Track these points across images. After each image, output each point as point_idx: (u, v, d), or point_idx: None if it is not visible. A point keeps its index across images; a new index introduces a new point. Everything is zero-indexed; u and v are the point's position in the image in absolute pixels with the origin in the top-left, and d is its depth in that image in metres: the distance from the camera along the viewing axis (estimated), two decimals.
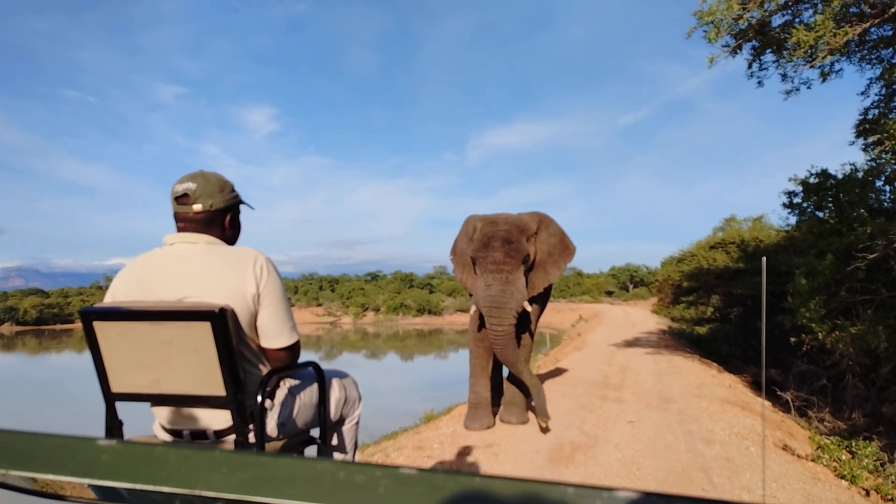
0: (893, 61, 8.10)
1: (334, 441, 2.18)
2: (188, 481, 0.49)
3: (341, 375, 2.22)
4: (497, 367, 6.32)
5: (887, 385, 8.34)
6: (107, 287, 1.87)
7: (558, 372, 10.30)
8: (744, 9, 7.88)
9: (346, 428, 2.22)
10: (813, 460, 5.49)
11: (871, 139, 7.88)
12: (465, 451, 5.22)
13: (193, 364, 1.63)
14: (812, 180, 8.82)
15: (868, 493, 4.83)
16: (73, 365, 26.71)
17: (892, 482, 5.19)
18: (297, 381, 1.97)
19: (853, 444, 6.06)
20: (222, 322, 1.59)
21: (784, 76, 8.73)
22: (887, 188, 8.48)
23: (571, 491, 0.43)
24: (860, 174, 8.24)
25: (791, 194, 9.27)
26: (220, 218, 1.88)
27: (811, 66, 7.82)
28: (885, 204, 8.53)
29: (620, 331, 21.31)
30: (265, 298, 1.77)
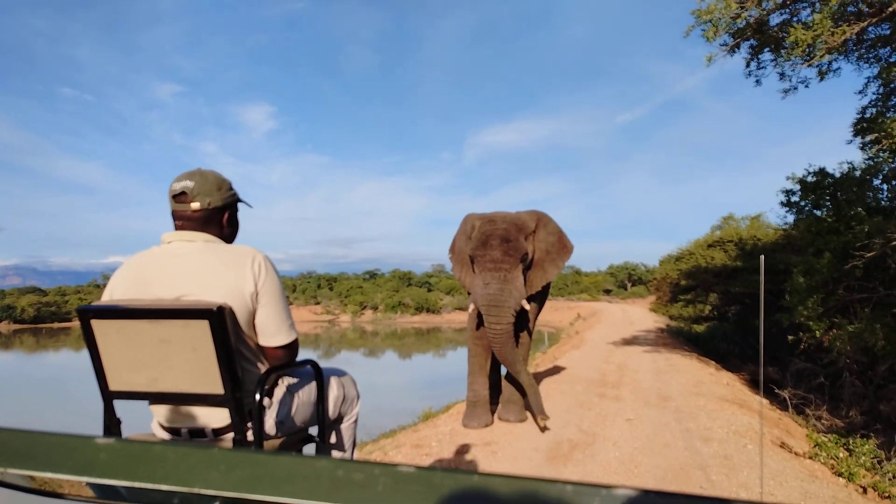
0: (891, 60, 8.11)
1: (333, 439, 2.18)
2: (186, 479, 0.49)
3: (340, 374, 2.22)
4: (495, 365, 6.33)
5: (884, 383, 8.36)
6: (104, 285, 1.87)
7: (557, 370, 10.31)
8: (742, 7, 7.88)
9: (345, 426, 2.22)
10: (810, 458, 5.51)
11: (868, 138, 7.89)
12: (463, 450, 5.22)
13: (192, 362, 1.63)
14: (810, 179, 8.84)
15: (865, 491, 4.85)
16: (70, 363, 26.69)
17: (889, 479, 5.20)
18: (295, 380, 1.97)
19: (850, 441, 6.08)
20: (220, 320, 1.59)
21: (782, 75, 8.74)
22: (885, 187, 8.50)
23: (570, 489, 0.43)
24: (858, 173, 8.25)
25: (789, 193, 9.28)
26: (218, 216, 1.87)
27: (809, 65, 7.83)
28: (883, 202, 8.54)
29: (618, 329, 21.34)
30: (263, 297, 1.77)
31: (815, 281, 8.05)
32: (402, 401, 11.30)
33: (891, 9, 6.97)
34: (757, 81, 9.10)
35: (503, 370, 6.36)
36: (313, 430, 2.08)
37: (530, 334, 6.23)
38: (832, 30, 7.11)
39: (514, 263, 5.46)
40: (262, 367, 1.82)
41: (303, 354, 1.95)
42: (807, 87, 8.79)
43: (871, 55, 8.48)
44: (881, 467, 5.58)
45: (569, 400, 7.41)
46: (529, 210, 6.12)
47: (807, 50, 7.37)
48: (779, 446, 5.72)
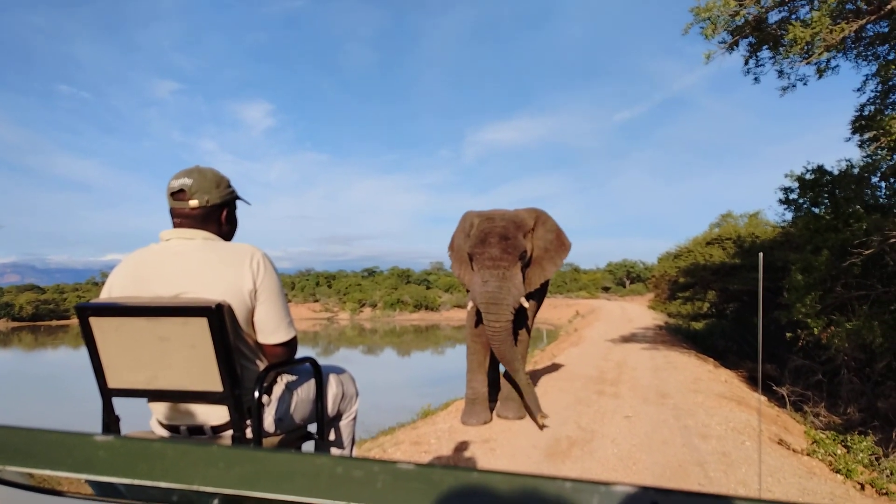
0: (889, 58, 8.11)
1: (332, 436, 2.18)
2: (185, 476, 0.49)
3: (338, 371, 2.22)
4: (494, 362, 6.33)
5: (882, 380, 8.38)
6: (103, 283, 1.86)
7: (555, 367, 10.32)
8: (740, 5, 7.88)
9: (344, 423, 2.23)
10: (808, 455, 5.52)
11: (867, 135, 7.90)
12: (462, 447, 5.23)
13: (190, 360, 1.63)
14: (808, 176, 8.85)
15: (863, 487, 4.86)
16: (69, 361, 26.68)
17: (887, 476, 5.21)
18: (294, 377, 1.97)
19: (848, 438, 6.09)
20: (219, 318, 1.59)
21: (780, 73, 8.74)
22: (883, 184, 8.51)
23: (569, 485, 0.43)
24: (856, 170, 8.26)
25: (787, 190, 9.29)
26: (216, 214, 1.87)
27: (807, 63, 7.83)
28: (881, 200, 8.56)
29: (617, 326, 21.35)
30: (262, 294, 1.77)
31: (814, 278, 8.06)
32: (400, 398, 11.31)
33: (889, 6, 6.97)
34: (755, 79, 9.10)
35: (502, 368, 6.36)
36: (312, 428, 2.08)
37: (529, 332, 6.23)
38: (831, 27, 7.11)
39: (512, 261, 5.46)
40: (261, 365, 1.82)
41: (301, 352, 1.95)
42: (805, 84, 8.80)
43: (869, 53, 8.49)
44: (879, 464, 5.59)
45: (567, 397, 7.42)
46: (528, 208, 6.12)
47: (805, 47, 7.37)
48: (777, 443, 5.73)
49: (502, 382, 6.30)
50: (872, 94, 8.45)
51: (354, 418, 2.28)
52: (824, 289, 8.10)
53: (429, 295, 55.41)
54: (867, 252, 7.35)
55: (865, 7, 7.33)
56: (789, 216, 10.05)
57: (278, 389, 1.89)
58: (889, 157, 7.70)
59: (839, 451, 5.58)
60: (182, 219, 1.83)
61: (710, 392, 7.90)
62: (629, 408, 6.78)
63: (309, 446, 2.08)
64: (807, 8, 7.90)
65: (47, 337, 41.07)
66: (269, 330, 1.81)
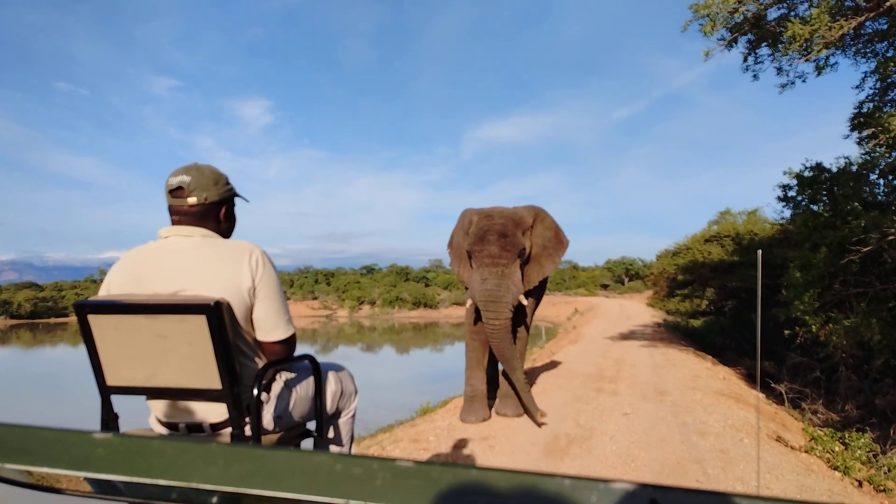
0: (888, 55, 8.11)
1: (330, 434, 2.18)
2: (184, 474, 0.49)
3: (337, 368, 2.22)
4: (493, 360, 6.34)
5: (880, 377, 8.39)
6: (101, 280, 1.86)
7: (554, 365, 10.33)
8: (739, 2, 7.88)
9: (343, 421, 2.23)
10: (806, 452, 5.53)
11: (865, 133, 7.90)
12: (461, 444, 5.23)
13: (189, 357, 1.63)
14: (807, 174, 8.85)
15: (861, 484, 4.87)
16: (67, 358, 26.66)
17: (885, 473, 5.23)
18: (293, 375, 1.97)
19: (846, 435, 6.10)
20: (218, 315, 1.59)
21: (779, 70, 8.75)
22: (881, 181, 8.52)
23: (568, 483, 0.43)
24: (854, 168, 8.27)
25: (786, 187, 9.30)
26: (214, 211, 1.87)
27: (806, 60, 7.84)
28: (879, 197, 8.56)
29: (616, 324, 21.37)
30: (261, 292, 1.77)
31: (812, 275, 8.07)
32: (399, 396, 11.32)
33: (888, 3, 6.97)
34: (754, 76, 9.11)
35: (501, 365, 6.37)
36: (311, 425, 2.09)
37: (528, 329, 6.23)
38: (829, 24, 7.12)
39: (511, 259, 5.46)
40: (260, 362, 1.82)
41: (300, 349, 1.95)
42: (804, 81, 8.80)
43: (868, 50, 8.49)
44: (877, 461, 5.60)
45: (566, 394, 7.42)
46: (527, 205, 6.11)
47: (804, 45, 7.37)
48: (775, 440, 5.74)
49: (501, 380, 6.30)
50: (871, 92, 8.46)
51: (353, 416, 2.28)
52: (822, 286, 8.11)
53: (427, 292, 55.42)
54: (865, 249, 7.36)
55: (864, 4, 7.33)
56: (788, 213, 10.07)
57: (277, 387, 1.89)
58: (887, 155, 7.70)
59: (837, 448, 5.59)
60: (180, 216, 1.83)
61: (708, 389, 7.91)
62: (628, 405, 6.79)
63: (308, 444, 2.08)
64: (805, 5, 7.90)
65: (46, 334, 41.04)
66: (268, 327, 1.81)
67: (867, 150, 7.98)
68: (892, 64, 7.55)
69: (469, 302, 5.84)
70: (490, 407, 6.22)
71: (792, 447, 5.59)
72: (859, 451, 5.65)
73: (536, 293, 6.28)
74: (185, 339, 1.61)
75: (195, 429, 1.76)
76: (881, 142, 7.33)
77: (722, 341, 15.48)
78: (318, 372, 1.98)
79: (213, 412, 1.74)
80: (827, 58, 8.14)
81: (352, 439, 2.30)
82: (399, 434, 5.99)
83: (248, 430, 1.71)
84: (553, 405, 6.62)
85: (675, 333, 18.50)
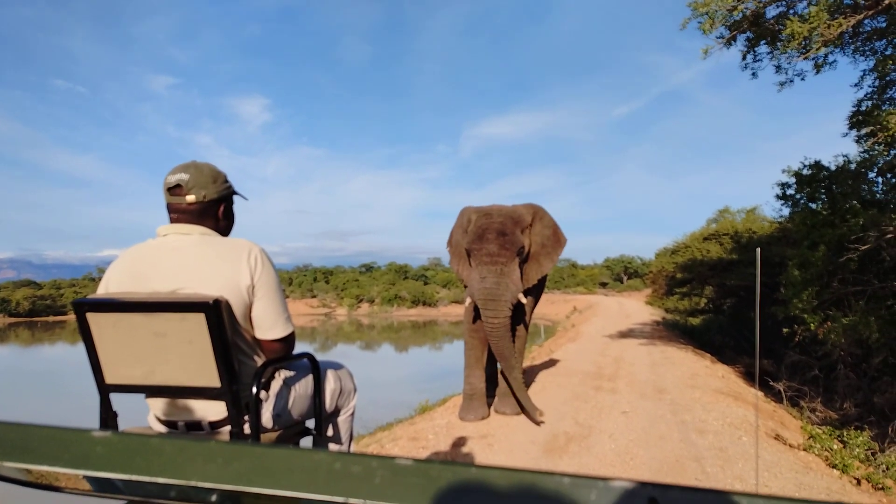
0: (887, 53, 8.11)
1: (329, 432, 2.18)
2: (183, 472, 0.49)
3: (336, 366, 2.22)
4: (492, 358, 6.34)
5: (879, 375, 8.40)
6: (100, 278, 1.86)
7: (553, 363, 10.33)
8: (738, 0, 7.87)
9: (342, 419, 2.23)
10: (805, 450, 5.54)
11: (864, 131, 7.90)
12: (460, 442, 5.24)
13: (188, 355, 1.63)
14: (805, 172, 8.85)
15: (859, 482, 4.88)
16: (66, 357, 26.64)
17: (883, 471, 5.24)
18: (292, 373, 1.97)
19: (845, 433, 6.11)
20: (217, 313, 1.59)
21: (778, 68, 8.74)
22: (880, 180, 8.53)
23: (567, 481, 0.43)
24: (853, 166, 8.27)
25: (784, 186, 9.30)
26: (213, 209, 1.87)
27: (805, 58, 7.83)
28: (878, 195, 8.57)
29: (614, 322, 21.39)
30: (260, 290, 1.77)
31: (810, 274, 8.08)
32: (398, 394, 11.32)
33: (887, 1, 6.96)
34: (753, 74, 9.10)
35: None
36: (310, 423, 2.09)
37: (527, 328, 6.24)
38: (828, 22, 7.11)
39: (510, 257, 5.46)
40: (259, 361, 1.82)
41: (299, 347, 1.95)
42: (803, 80, 8.80)
43: (866, 48, 8.49)
44: (875, 459, 5.62)
45: (565, 393, 7.43)
46: (526, 203, 6.11)
47: (803, 43, 7.37)
48: (773, 438, 5.75)
49: (500, 378, 6.31)
50: (870, 90, 8.46)
51: (352, 414, 2.28)
52: (821, 284, 8.12)
53: (426, 290, 55.39)
54: (864, 248, 7.36)
55: (863, 2, 7.33)
56: (786, 212, 10.07)
57: (276, 385, 1.89)
58: (886, 153, 7.71)
59: (835, 447, 5.60)
60: (179, 214, 1.82)
61: (707, 387, 7.92)
62: (626, 403, 6.80)
63: (307, 442, 2.08)
64: (804, 3, 7.90)
65: (44, 333, 40.98)
66: (267, 325, 1.81)
67: (866, 148, 7.98)
68: (890, 62, 7.55)
69: (468, 300, 5.84)
70: (489, 405, 6.23)
71: (790, 445, 5.59)
72: (858, 450, 5.66)
73: (535, 291, 6.28)
74: (184, 337, 1.61)
75: (194, 427, 1.76)
76: (880, 140, 7.33)
77: (721, 339, 15.50)
78: (317, 370, 1.98)
79: (212, 410, 1.74)
80: (826, 56, 8.14)
81: (351, 437, 2.30)
82: (398, 432, 5.99)
83: (247, 429, 1.71)
84: (552, 403, 6.63)
85: (674, 332, 18.52)
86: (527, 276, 5.83)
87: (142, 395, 1.76)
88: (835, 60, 8.41)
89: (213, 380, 1.64)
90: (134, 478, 0.50)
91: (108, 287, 1.78)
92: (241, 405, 1.69)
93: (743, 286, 14.76)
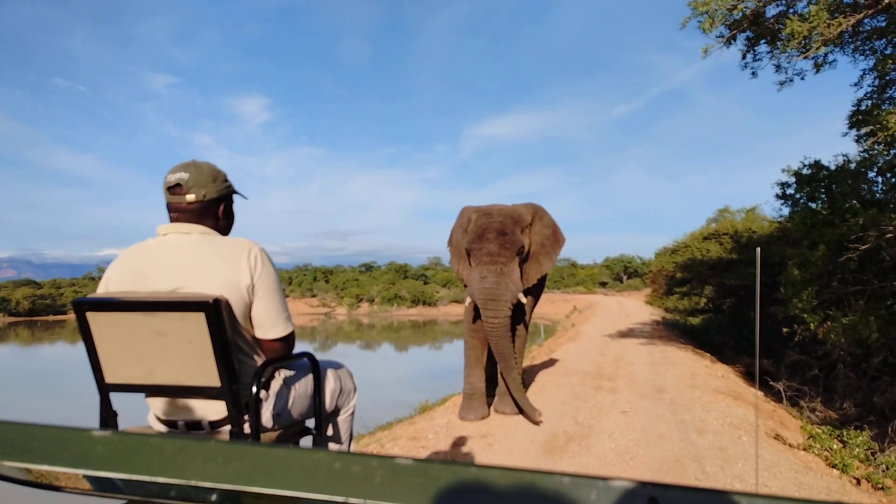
0: (887, 52, 8.11)
1: (329, 431, 2.18)
2: (183, 472, 0.49)
3: (336, 366, 2.22)
4: (492, 358, 6.34)
5: (878, 375, 8.40)
6: (99, 278, 1.86)
7: (552, 362, 10.34)
8: None
9: (342, 418, 2.23)
10: (805, 449, 5.54)
11: (863, 130, 7.90)
12: (459, 442, 5.24)
13: (188, 355, 1.63)
14: (805, 171, 8.85)
15: (859, 482, 4.88)
16: (66, 356, 26.64)
17: (883, 471, 5.24)
18: (292, 372, 1.97)
19: (844, 433, 6.11)
20: (216, 313, 1.59)
21: (778, 67, 8.74)
22: (880, 179, 8.52)
23: (567, 480, 0.43)
24: (853, 165, 8.27)
25: (784, 185, 9.30)
26: (213, 208, 1.87)
27: (805, 57, 7.83)
28: (878, 195, 8.57)
29: (614, 321, 21.39)
30: (260, 289, 1.77)
31: (810, 273, 8.08)
32: (398, 393, 11.32)
33: (886, 1, 6.96)
34: (753, 73, 9.10)
35: None
36: (310, 423, 2.09)
37: (527, 327, 6.24)
38: (828, 22, 7.11)
39: (510, 257, 5.46)
40: (259, 360, 1.82)
41: (299, 347, 1.95)
42: (803, 79, 8.80)
43: (866, 47, 8.49)
44: (875, 459, 5.62)
45: (565, 392, 7.43)
46: (526, 203, 6.12)
47: (803, 42, 7.37)
48: (773, 438, 5.75)
49: (500, 378, 6.31)
50: (870, 89, 8.46)
51: (352, 413, 2.28)
52: (821, 284, 8.12)
53: (426, 290, 55.39)
54: (863, 247, 7.36)
55: (863, 1, 7.33)
56: (786, 211, 10.08)
57: (276, 385, 1.89)
58: (886, 152, 7.70)
59: (835, 446, 5.60)
60: (179, 213, 1.82)
61: (706, 387, 7.92)
62: (626, 403, 6.80)
63: (307, 441, 2.08)
64: (804, 2, 7.90)
65: (44, 332, 40.97)
66: (267, 325, 1.81)
67: (865, 147, 7.98)
68: (890, 61, 7.55)
69: (468, 300, 5.84)
70: (489, 405, 6.23)
71: (790, 445, 5.60)
72: (857, 449, 5.66)
73: (535, 291, 6.28)
74: (184, 336, 1.61)
75: (194, 426, 1.76)
76: (879, 139, 7.33)
77: (720, 339, 15.50)
78: (316, 369, 1.97)
79: (212, 410, 1.73)
80: (825, 55, 8.14)
81: (351, 437, 2.30)
82: (398, 432, 5.99)
83: (247, 428, 1.71)
84: (552, 403, 6.63)
85: (674, 331, 18.52)
86: (527, 275, 5.83)
87: (142, 395, 1.76)
88: (834, 60, 8.42)
89: (213, 379, 1.64)
90: (134, 477, 0.50)
91: (108, 286, 1.78)
92: (241, 405, 1.69)
93: (743, 286, 14.76)
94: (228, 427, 1.72)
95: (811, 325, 7.97)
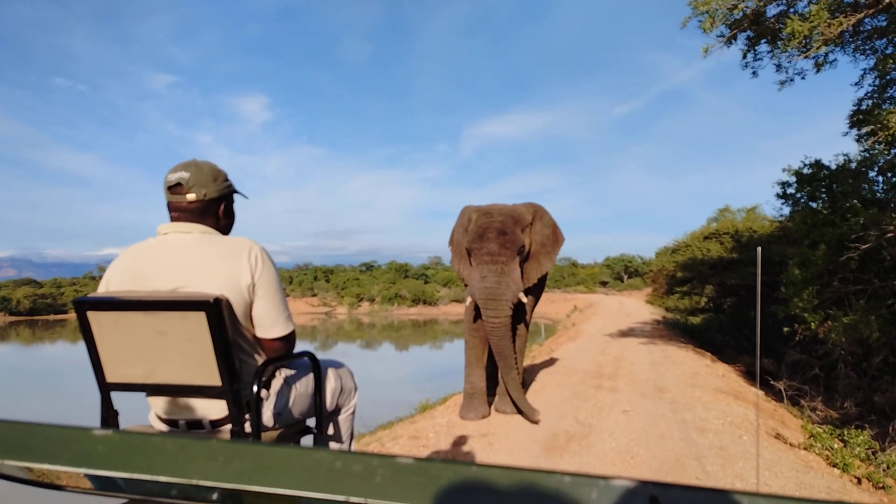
0: (887, 52, 8.10)
1: (330, 431, 2.18)
2: (184, 470, 0.49)
3: (337, 365, 2.22)
4: (492, 357, 6.34)
5: (879, 374, 8.40)
6: (100, 277, 1.86)
7: (553, 362, 10.34)
8: None
9: (342, 418, 2.23)
10: (805, 449, 5.54)
11: (864, 130, 7.89)
12: (460, 441, 5.24)
13: (189, 354, 1.63)
14: (806, 171, 8.85)
15: (859, 481, 4.88)
16: (67, 355, 26.65)
17: (884, 470, 5.24)
18: (292, 371, 1.97)
19: (845, 432, 6.11)
20: (217, 312, 1.59)
21: (778, 67, 8.73)
22: (880, 179, 8.52)
23: (567, 479, 0.43)
24: (853, 165, 8.26)
25: (785, 185, 9.30)
26: (213, 207, 1.86)
27: (805, 57, 7.82)
28: (878, 194, 8.56)
29: (615, 321, 21.38)
30: (260, 288, 1.77)
31: (811, 273, 8.07)
32: (399, 393, 11.33)
33: (887, 0, 6.96)
34: (754, 73, 9.09)
35: None
36: (311, 422, 2.09)
37: (527, 327, 6.24)
38: (829, 21, 7.10)
39: (511, 256, 5.46)
40: (260, 359, 1.82)
41: (300, 346, 1.95)
42: (803, 78, 8.78)
43: (867, 47, 8.47)
44: (875, 458, 5.62)
45: (565, 391, 7.43)
46: (526, 202, 6.12)
47: (803, 41, 7.36)
48: (774, 437, 5.75)
49: (500, 377, 6.31)
50: (870, 89, 8.45)
51: (353, 413, 2.28)
52: (821, 283, 8.11)
53: (427, 289, 55.38)
54: (864, 247, 7.36)
55: (863, 1, 7.32)
56: (787, 211, 10.06)
57: (277, 384, 1.89)
58: (886, 152, 7.70)
59: (836, 446, 5.60)
60: (179, 213, 1.82)
61: (707, 386, 7.92)
62: (627, 402, 6.80)
63: (308, 441, 2.08)
64: (805, 1, 7.89)
65: (45, 331, 40.99)
66: (268, 324, 1.81)
67: (866, 147, 7.97)
68: (891, 61, 7.54)
69: (469, 299, 5.84)
70: (490, 404, 6.23)
71: (791, 444, 5.60)
72: (858, 449, 5.66)
73: (536, 290, 6.28)
74: (185, 335, 1.61)
75: (195, 425, 1.76)
76: (880, 139, 7.32)
77: (721, 338, 15.50)
78: (317, 369, 1.98)
79: (213, 409, 1.74)
80: (826, 55, 8.13)
81: (351, 436, 2.30)
82: (399, 431, 5.99)
83: (247, 427, 1.71)
84: (552, 402, 6.63)
85: (675, 331, 18.51)
86: (527, 275, 5.83)
87: (143, 394, 1.76)
88: (835, 59, 8.40)
89: (213, 378, 1.64)
90: (135, 476, 0.50)
91: (108, 285, 1.78)
92: (242, 404, 1.69)
93: (743, 285, 14.75)
94: (229, 426, 1.72)
95: (812, 324, 7.97)
